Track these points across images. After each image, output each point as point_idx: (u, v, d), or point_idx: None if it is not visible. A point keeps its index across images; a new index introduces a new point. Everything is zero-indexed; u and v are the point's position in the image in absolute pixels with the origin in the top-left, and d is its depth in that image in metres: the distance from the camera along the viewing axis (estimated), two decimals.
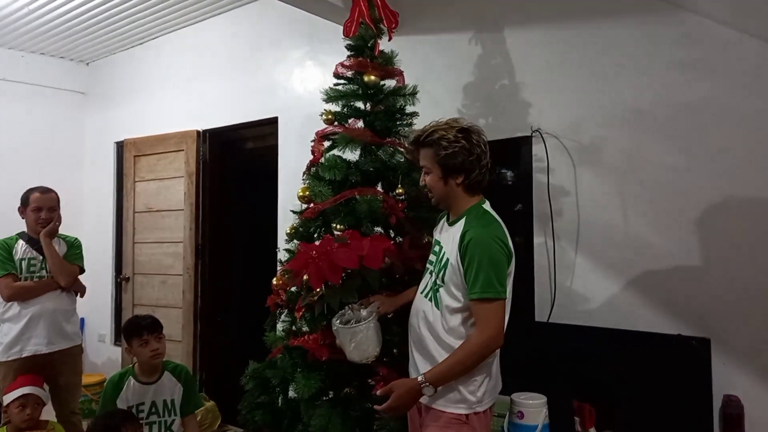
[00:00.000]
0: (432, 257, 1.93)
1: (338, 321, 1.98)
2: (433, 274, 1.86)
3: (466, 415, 1.77)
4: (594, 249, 2.58)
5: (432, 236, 2.07)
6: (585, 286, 2.59)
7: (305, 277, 2.09)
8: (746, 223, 2.22)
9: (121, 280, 4.80)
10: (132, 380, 2.61)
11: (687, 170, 2.35)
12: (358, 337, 1.92)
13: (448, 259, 1.80)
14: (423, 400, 1.80)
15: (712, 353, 2.09)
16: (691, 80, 2.34)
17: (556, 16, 2.72)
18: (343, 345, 1.97)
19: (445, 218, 1.97)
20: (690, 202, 2.34)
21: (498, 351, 1.82)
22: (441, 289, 1.81)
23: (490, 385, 1.83)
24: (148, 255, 4.60)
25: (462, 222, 1.81)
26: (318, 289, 2.09)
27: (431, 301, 1.84)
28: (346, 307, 2.01)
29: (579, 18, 2.66)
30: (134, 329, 2.62)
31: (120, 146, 5.03)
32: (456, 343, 1.76)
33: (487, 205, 1.87)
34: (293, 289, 2.45)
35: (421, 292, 1.93)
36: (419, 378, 1.73)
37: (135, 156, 4.72)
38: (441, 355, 1.78)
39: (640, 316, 2.42)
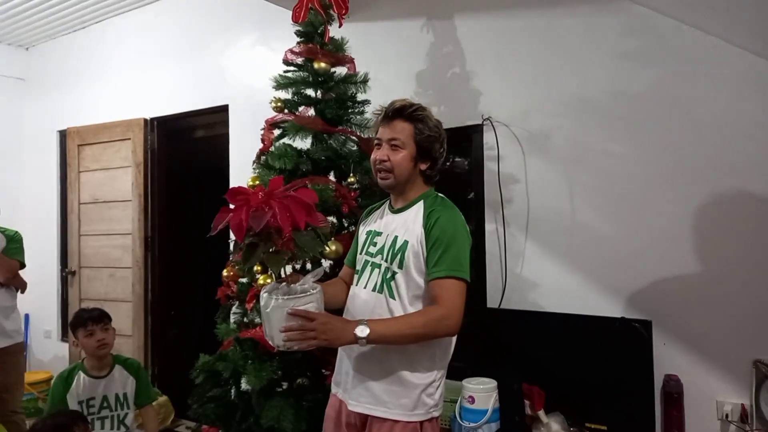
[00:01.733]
0: (371, 249, 1.75)
1: (273, 295, 1.49)
2: (383, 263, 1.69)
3: (421, 423, 1.63)
4: (543, 235, 2.63)
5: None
6: (534, 272, 2.65)
7: (262, 220, 1.43)
8: (686, 208, 2.30)
9: (66, 274, 4.63)
10: (82, 375, 2.55)
11: (631, 158, 2.41)
12: (311, 309, 1.49)
13: (406, 242, 1.65)
14: (355, 346, 1.58)
15: (654, 335, 2.17)
16: (634, 70, 2.40)
17: (504, 6, 2.75)
18: (278, 327, 1.47)
19: (384, 208, 1.84)
20: (633, 189, 2.41)
21: (453, 345, 1.73)
22: (398, 276, 1.65)
23: (443, 385, 1.71)
24: (95, 248, 4.44)
25: (418, 206, 1.70)
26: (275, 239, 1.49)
27: (382, 293, 1.66)
28: (272, 282, 1.58)
29: (526, 8, 2.68)
30: (79, 320, 2.57)
31: (63, 135, 4.82)
32: None
33: (441, 195, 1.80)
34: (243, 280, 2.41)
35: (364, 288, 1.72)
36: (360, 326, 1.50)
37: (79, 145, 4.53)
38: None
39: (587, 300, 2.48)
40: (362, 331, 1.49)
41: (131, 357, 2.85)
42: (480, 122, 2.76)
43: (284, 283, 1.54)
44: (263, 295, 1.52)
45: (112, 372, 2.61)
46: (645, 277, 2.38)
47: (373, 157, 1.74)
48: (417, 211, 1.70)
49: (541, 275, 2.63)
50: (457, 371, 2.38)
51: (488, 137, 2.75)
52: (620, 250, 2.43)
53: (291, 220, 1.42)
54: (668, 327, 2.29)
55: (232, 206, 1.49)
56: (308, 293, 1.50)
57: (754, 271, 2.16)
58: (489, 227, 2.76)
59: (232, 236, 2.58)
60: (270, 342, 1.52)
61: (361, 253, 1.80)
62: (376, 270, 1.71)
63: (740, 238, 2.19)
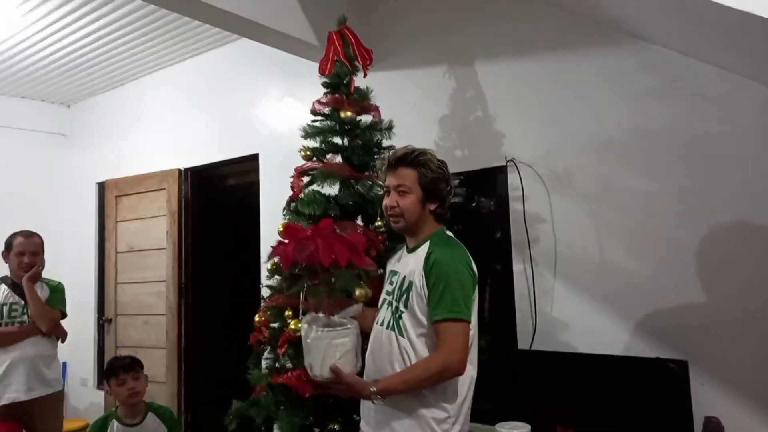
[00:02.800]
0: (388, 287, 1.86)
1: (313, 326, 1.63)
2: (393, 302, 1.78)
3: None
4: (571, 274, 2.61)
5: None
6: (565, 311, 2.62)
7: (304, 252, 1.56)
8: (717, 245, 2.27)
9: (103, 322, 4.74)
10: (115, 423, 2.59)
11: (655, 194, 2.41)
12: (348, 344, 1.62)
13: (411, 283, 1.73)
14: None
15: (691, 375, 2.11)
16: (653, 108, 2.43)
17: (522, 50, 2.82)
18: (318, 357, 1.61)
19: (403, 249, 1.94)
20: (660, 226, 2.39)
21: (473, 384, 1.76)
22: (404, 315, 1.73)
23: (465, 421, 1.73)
24: (131, 295, 4.56)
25: (425, 246, 1.78)
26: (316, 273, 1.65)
27: (394, 330, 1.74)
28: (310, 313, 1.71)
29: (543, 51, 2.75)
30: (111, 369, 2.63)
31: (101, 187, 5.03)
32: None
33: (449, 233, 1.87)
34: (275, 325, 2.45)
35: (380, 325, 1.81)
36: (372, 387, 1.64)
37: (117, 196, 4.72)
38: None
39: (620, 339, 2.45)
40: (378, 402, 1.65)
41: (164, 404, 2.89)
42: (504, 164, 2.80)
43: (323, 315, 1.66)
44: (303, 325, 1.66)
45: (145, 420, 2.64)
46: (678, 315, 2.33)
47: (384, 203, 1.87)
48: (422, 252, 1.77)
49: (572, 315, 2.60)
50: (489, 415, 2.36)
51: (512, 178, 2.78)
52: (651, 287, 2.40)
53: (333, 256, 1.53)
54: (705, 366, 2.23)
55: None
56: (346, 327, 1.64)
57: None
58: (517, 267, 2.76)
59: (264, 281, 2.65)
60: (309, 370, 1.66)
61: (382, 291, 1.90)
62: (390, 308, 1.80)
63: None
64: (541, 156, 2.71)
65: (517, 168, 2.75)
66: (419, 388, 1.65)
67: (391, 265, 1.95)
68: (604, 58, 2.57)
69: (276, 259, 2.53)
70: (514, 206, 2.78)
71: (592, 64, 2.60)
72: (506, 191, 2.81)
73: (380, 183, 2.55)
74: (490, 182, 2.89)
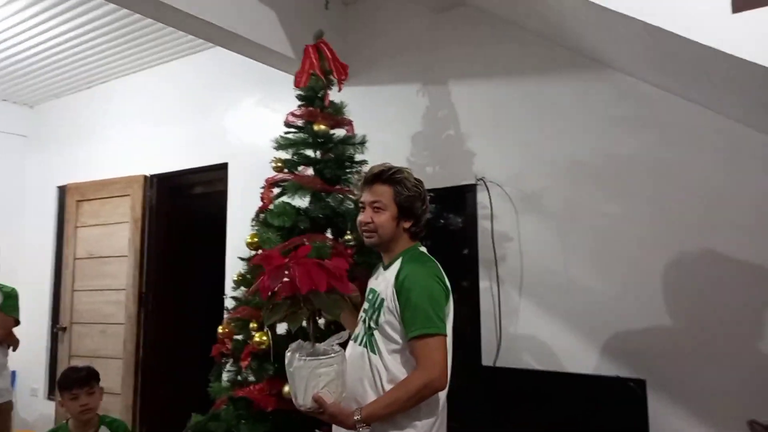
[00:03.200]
0: (366, 305, 1.86)
1: (297, 354, 1.59)
2: (367, 320, 1.79)
3: None
4: (537, 294, 2.66)
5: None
6: (529, 330, 2.66)
7: (281, 282, 1.55)
8: (677, 268, 2.34)
9: (57, 330, 4.58)
10: None
11: (621, 218, 2.48)
12: (331, 373, 1.58)
13: (383, 300, 1.74)
14: None
15: (648, 394, 2.17)
16: (623, 135, 2.51)
17: (497, 73, 2.88)
18: (301, 386, 1.58)
19: (380, 266, 1.94)
20: (625, 249, 2.46)
21: (444, 398, 1.76)
22: (375, 332, 1.74)
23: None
24: (88, 303, 4.42)
25: (397, 263, 1.79)
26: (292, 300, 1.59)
27: (366, 347, 1.75)
28: (298, 342, 1.68)
29: (518, 75, 2.82)
30: (64, 383, 2.52)
31: (62, 191, 4.89)
32: None
33: (422, 248, 1.89)
34: (238, 337, 2.41)
35: (354, 341, 1.83)
36: (356, 415, 1.61)
37: (78, 201, 4.59)
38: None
39: (582, 358, 2.49)
40: (359, 423, 1.61)
41: (118, 417, 2.79)
42: (474, 182, 2.84)
43: (308, 342, 1.63)
44: (288, 353, 1.62)
45: None
46: (638, 335, 2.39)
47: (358, 219, 1.88)
48: (394, 269, 1.78)
49: (536, 333, 2.64)
50: (453, 431, 2.36)
51: (482, 197, 2.83)
52: (614, 308, 2.46)
53: (311, 283, 1.51)
54: (663, 386, 2.28)
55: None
56: (330, 356, 1.60)
57: (745, 331, 2.19)
58: (483, 285, 2.79)
59: (229, 292, 2.61)
60: (293, 399, 1.63)
61: (356, 301, 1.90)
62: (364, 325, 1.81)
63: (732, 298, 2.22)
64: (511, 176, 2.77)
65: (486, 187, 2.80)
66: (404, 409, 1.64)
67: (370, 284, 1.95)
68: (576, 85, 2.65)
69: (243, 271, 2.52)
70: (483, 224, 2.82)
71: (564, 89, 2.68)
72: (475, 209, 2.85)
73: (351, 197, 2.57)
74: (459, 200, 2.93)
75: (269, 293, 1.53)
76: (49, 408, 4.59)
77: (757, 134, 2.21)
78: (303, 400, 1.59)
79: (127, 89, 4.59)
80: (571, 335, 2.54)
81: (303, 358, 1.57)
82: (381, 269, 1.91)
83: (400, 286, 1.70)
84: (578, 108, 2.63)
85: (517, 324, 2.69)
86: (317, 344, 1.63)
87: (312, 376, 1.56)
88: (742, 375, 2.17)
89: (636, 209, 2.45)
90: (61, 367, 4.44)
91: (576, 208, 2.59)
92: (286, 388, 2.04)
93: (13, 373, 4.72)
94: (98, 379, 2.59)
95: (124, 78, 4.59)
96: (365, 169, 2.54)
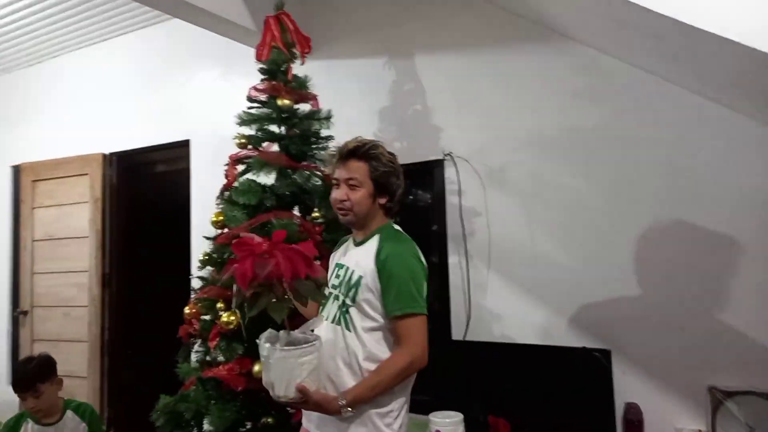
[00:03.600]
0: (334, 281, 1.81)
1: (275, 345, 1.51)
2: (340, 296, 1.75)
3: None
4: (505, 267, 2.68)
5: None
6: (498, 303, 2.69)
7: (266, 269, 1.46)
8: (639, 241, 2.39)
9: (17, 315, 4.44)
10: (30, 422, 2.44)
11: (584, 191, 2.51)
12: (314, 361, 1.52)
13: (360, 277, 1.70)
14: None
15: (613, 363, 2.23)
16: (584, 107, 2.52)
17: (461, 46, 2.85)
18: (283, 378, 1.51)
19: (349, 241, 1.90)
20: (589, 221, 2.49)
21: (413, 375, 1.76)
22: (351, 310, 1.70)
23: (405, 414, 1.73)
24: (49, 286, 4.29)
25: (374, 240, 1.76)
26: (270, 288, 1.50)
27: (340, 324, 1.71)
28: (269, 331, 1.60)
29: (481, 48, 2.80)
30: (13, 383, 2.46)
31: (16, 170, 4.68)
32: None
33: (396, 226, 1.86)
34: (206, 317, 2.37)
35: (327, 319, 1.77)
36: (341, 400, 1.58)
37: (33, 181, 4.42)
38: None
39: (550, 330, 2.54)
40: (347, 414, 1.58)
41: (84, 401, 2.73)
42: (441, 157, 2.83)
43: (283, 332, 1.55)
44: (265, 345, 1.52)
45: (63, 418, 2.50)
46: (603, 306, 2.45)
47: (332, 196, 1.81)
48: (372, 245, 1.75)
49: (505, 306, 2.67)
50: (422, 405, 2.38)
51: (449, 172, 2.82)
52: (579, 280, 2.50)
53: (293, 270, 1.45)
54: (627, 355, 2.35)
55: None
56: (311, 343, 1.53)
57: (706, 301, 2.25)
58: (452, 260, 2.80)
59: (195, 272, 2.56)
60: (270, 390, 1.54)
61: (327, 285, 1.83)
62: (336, 302, 1.76)
63: (693, 268, 2.28)
64: (477, 150, 2.76)
65: (454, 162, 2.79)
66: (388, 389, 1.63)
67: (336, 258, 1.90)
68: (539, 57, 2.64)
69: (209, 251, 2.47)
70: (451, 200, 2.82)
71: (527, 62, 2.67)
72: (443, 185, 2.84)
73: (318, 173, 2.53)
74: (427, 175, 2.92)
75: (250, 282, 1.43)
76: (12, 395, 4.47)
77: (714, 105, 2.24)
78: (285, 391, 1.51)
79: (80, 64, 4.40)
80: (539, 308, 2.58)
81: (283, 348, 1.50)
82: (351, 245, 1.87)
83: (381, 265, 1.67)
84: (541, 81, 2.63)
85: (485, 298, 2.71)
86: (292, 333, 1.56)
87: (295, 367, 1.50)
88: (703, 343, 2.25)
89: (600, 182, 2.48)
90: (24, 352, 4.33)
91: (541, 181, 2.61)
92: (257, 367, 2.02)
93: None
94: (47, 377, 2.47)
95: (77, 52, 4.39)
96: (333, 144, 2.51)
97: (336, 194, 1.79)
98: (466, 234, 2.75)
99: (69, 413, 2.52)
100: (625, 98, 2.43)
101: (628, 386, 2.33)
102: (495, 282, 2.70)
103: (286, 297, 1.45)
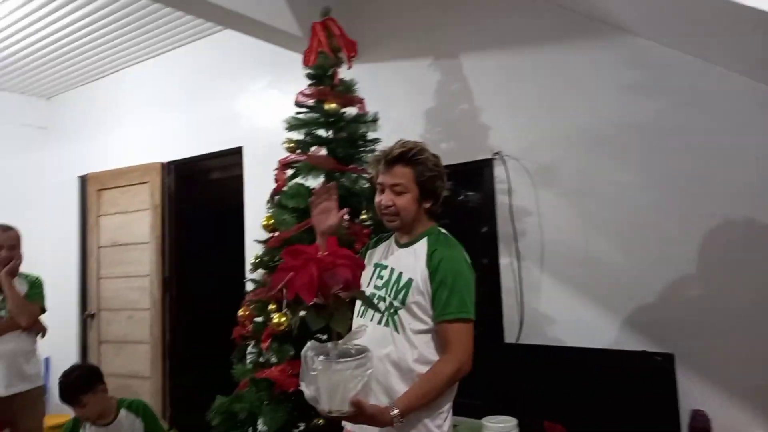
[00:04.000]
0: (377, 282, 1.77)
1: (327, 358, 1.40)
2: (387, 297, 1.71)
3: None
4: (558, 268, 2.61)
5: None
6: (551, 305, 2.62)
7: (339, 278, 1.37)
8: (702, 239, 2.27)
9: (86, 317, 4.68)
10: (87, 425, 2.53)
11: (641, 188, 2.41)
12: (369, 373, 1.42)
13: (410, 280, 1.68)
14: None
15: (677, 368, 2.12)
16: (639, 101, 2.42)
17: (509, 43, 2.80)
18: (337, 391, 1.39)
19: (391, 242, 1.87)
20: (647, 219, 2.39)
21: None
22: (400, 312, 1.67)
23: (451, 414, 1.71)
24: (114, 290, 4.50)
25: (423, 243, 1.74)
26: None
27: (388, 326, 1.68)
28: (313, 342, 1.49)
29: (531, 44, 2.73)
30: (59, 397, 2.55)
31: (83, 180, 4.95)
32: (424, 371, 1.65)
33: (443, 229, 1.83)
34: (258, 319, 2.42)
35: (372, 320, 1.72)
36: (393, 410, 1.51)
37: (98, 190, 4.64)
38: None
39: (607, 333, 2.44)
40: (399, 425, 1.52)
41: (136, 398, 2.79)
42: (490, 156, 2.78)
43: (332, 343, 1.44)
44: (317, 358, 1.41)
45: (118, 417, 2.58)
46: (665, 308, 2.34)
47: (377, 201, 1.78)
48: (421, 248, 1.73)
49: (559, 309, 2.60)
50: (475, 409, 2.35)
51: (499, 171, 2.77)
52: (637, 281, 2.40)
53: (357, 281, 1.40)
54: (692, 360, 2.23)
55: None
56: (364, 355, 1.42)
57: None
58: (503, 261, 2.75)
59: (249, 275, 2.62)
60: (315, 403, 1.43)
61: (368, 286, 1.81)
62: (381, 303, 1.73)
63: (760, 266, 2.15)
64: (528, 149, 2.70)
65: (503, 161, 2.74)
66: (438, 396, 1.61)
67: (375, 258, 1.88)
68: (590, 52, 2.56)
69: (260, 254, 2.52)
70: (501, 199, 2.77)
71: (578, 57, 2.59)
72: (492, 184, 2.79)
73: (366, 176, 2.53)
74: (476, 175, 2.87)
75: (318, 293, 1.33)
76: None
77: None
78: (339, 405, 1.39)
79: (138, 77, 4.60)
80: (595, 310, 2.50)
81: (339, 361, 1.39)
82: (393, 246, 1.84)
83: (434, 268, 1.66)
84: (594, 75, 2.55)
85: (539, 300, 2.65)
86: (338, 343, 1.44)
87: (349, 379, 1.39)
88: None
89: (655, 178, 2.38)
90: (92, 353, 4.55)
91: (594, 178, 2.52)
92: None
93: (47, 360, 4.86)
94: (90, 388, 2.51)
95: (135, 66, 4.59)
96: (380, 147, 2.51)
97: (381, 199, 1.77)
98: (517, 234, 2.70)
99: (123, 412, 2.60)
100: (683, 90, 2.32)
101: (694, 392, 2.21)
102: (548, 283, 2.63)
103: (345, 308, 1.39)
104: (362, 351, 1.45)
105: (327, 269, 1.37)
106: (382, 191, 1.77)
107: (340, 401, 1.40)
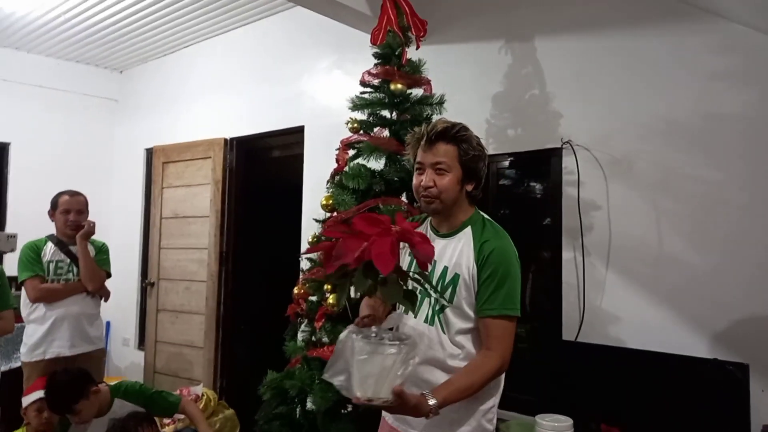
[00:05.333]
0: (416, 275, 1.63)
1: (371, 342, 1.31)
2: (432, 294, 1.62)
3: None
4: (626, 266, 2.48)
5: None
6: (616, 304, 2.50)
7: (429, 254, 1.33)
8: None
9: (146, 285, 4.84)
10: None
11: (722, 184, 2.25)
12: (410, 361, 1.33)
13: (457, 275, 1.58)
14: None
15: (751, 379, 1.98)
16: (726, 90, 2.26)
17: (586, 26, 2.66)
18: (383, 378, 1.30)
19: (427, 227, 1.74)
20: (726, 218, 2.24)
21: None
22: (448, 311, 1.59)
23: (496, 410, 1.67)
24: (174, 261, 4.63)
25: (467, 232, 1.63)
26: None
27: (436, 327, 1.60)
28: (354, 326, 1.43)
29: (609, 27, 2.59)
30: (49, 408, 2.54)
31: (149, 153, 5.10)
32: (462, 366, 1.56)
33: (486, 215, 1.71)
34: (313, 298, 2.42)
35: (416, 318, 1.64)
36: (431, 401, 1.42)
37: (164, 163, 4.77)
38: None
39: (673, 337, 2.31)
40: (435, 409, 1.42)
41: (129, 383, 2.75)
42: (559, 145, 2.66)
43: (375, 327, 1.39)
44: (359, 341, 1.32)
45: (112, 408, 2.56)
46: (740, 315, 2.19)
47: (415, 182, 1.65)
48: (467, 239, 1.62)
49: (624, 308, 2.47)
50: (528, 405, 2.28)
51: (567, 161, 2.65)
52: (712, 284, 2.25)
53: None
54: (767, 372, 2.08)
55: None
56: (407, 341, 1.34)
57: None
58: (566, 255, 2.64)
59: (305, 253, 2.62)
60: (347, 391, 1.34)
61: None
62: (426, 300, 1.64)
63: None
64: (600, 139, 2.57)
65: (573, 151, 2.61)
66: (477, 392, 1.53)
67: None
68: (673, 36, 2.40)
69: (317, 233, 2.51)
70: (568, 191, 2.65)
71: (659, 41, 2.43)
72: (560, 175, 2.68)
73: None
74: (543, 165, 2.77)
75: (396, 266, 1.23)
76: (139, 357, 4.90)
77: None
78: (382, 392, 1.30)
79: (206, 53, 4.67)
80: (663, 312, 2.36)
81: (393, 343, 1.31)
82: (430, 233, 1.71)
83: (484, 260, 1.56)
84: (675, 62, 2.39)
85: (602, 298, 2.53)
86: (379, 329, 1.38)
87: (395, 367, 1.30)
88: None
89: (739, 175, 2.22)
90: (150, 320, 4.72)
91: (672, 173, 2.38)
92: None
93: (108, 324, 5.09)
94: (80, 395, 2.42)
95: (205, 42, 4.67)
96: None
97: (420, 180, 1.62)
98: (583, 228, 2.58)
99: (117, 402, 2.58)
100: None
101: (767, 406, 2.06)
102: (613, 281, 2.51)
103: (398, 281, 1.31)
104: (406, 338, 1.37)
105: (422, 244, 1.30)
106: (422, 172, 1.63)
107: (387, 388, 1.31)
